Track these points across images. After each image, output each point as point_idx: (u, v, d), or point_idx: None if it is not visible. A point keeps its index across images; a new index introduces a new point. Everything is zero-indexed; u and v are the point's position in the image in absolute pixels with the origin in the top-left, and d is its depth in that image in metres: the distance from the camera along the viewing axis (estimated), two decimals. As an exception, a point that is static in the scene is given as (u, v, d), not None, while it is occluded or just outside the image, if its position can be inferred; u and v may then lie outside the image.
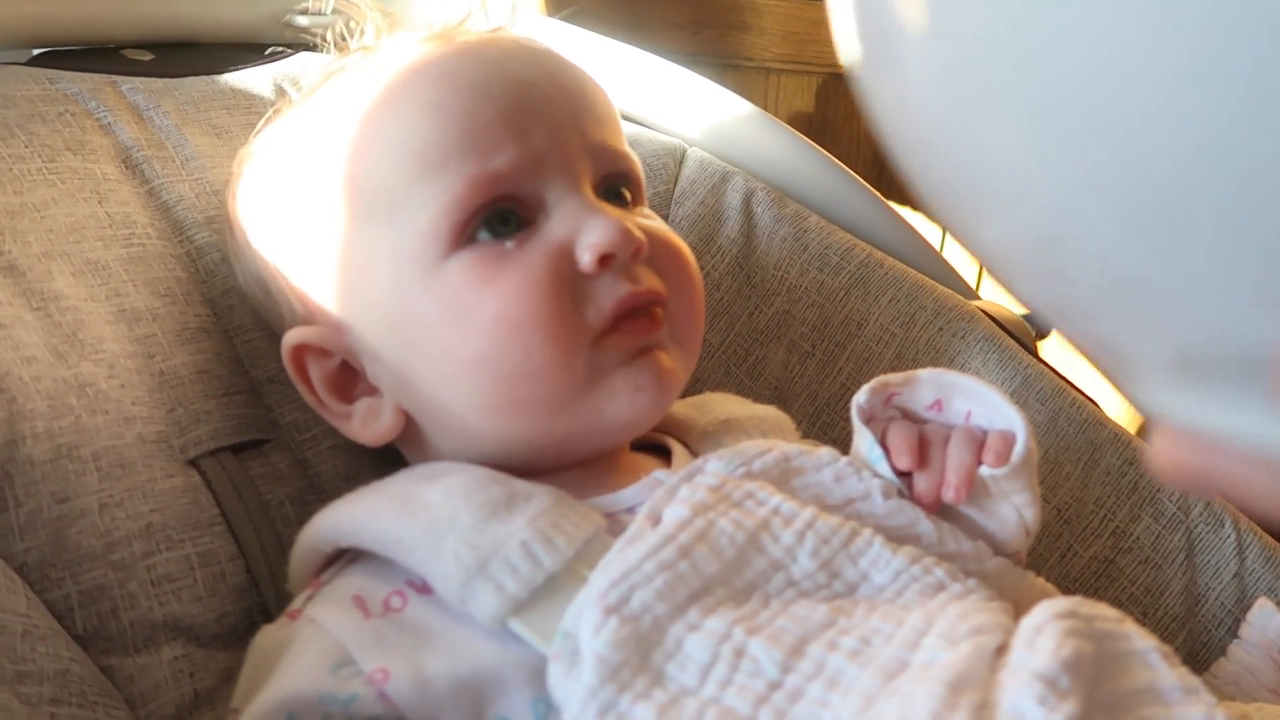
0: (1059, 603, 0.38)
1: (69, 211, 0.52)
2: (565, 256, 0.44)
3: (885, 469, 0.46)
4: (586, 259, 0.44)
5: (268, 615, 0.47)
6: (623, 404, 0.45)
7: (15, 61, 0.61)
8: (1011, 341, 0.66)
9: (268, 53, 0.69)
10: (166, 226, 0.56)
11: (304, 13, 0.69)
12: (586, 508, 0.44)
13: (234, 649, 0.45)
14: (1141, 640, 0.36)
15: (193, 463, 0.49)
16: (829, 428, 0.68)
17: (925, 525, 0.45)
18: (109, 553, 0.43)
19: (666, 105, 0.75)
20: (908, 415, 0.50)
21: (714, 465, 0.45)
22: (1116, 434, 0.62)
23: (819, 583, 0.41)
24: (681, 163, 0.73)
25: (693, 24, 1.15)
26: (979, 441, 0.47)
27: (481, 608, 0.39)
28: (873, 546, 0.42)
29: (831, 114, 1.18)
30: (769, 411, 0.57)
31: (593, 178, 0.47)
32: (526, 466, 0.46)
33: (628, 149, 0.50)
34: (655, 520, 0.42)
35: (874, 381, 0.49)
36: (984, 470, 0.45)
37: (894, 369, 0.67)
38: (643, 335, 0.46)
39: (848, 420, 0.69)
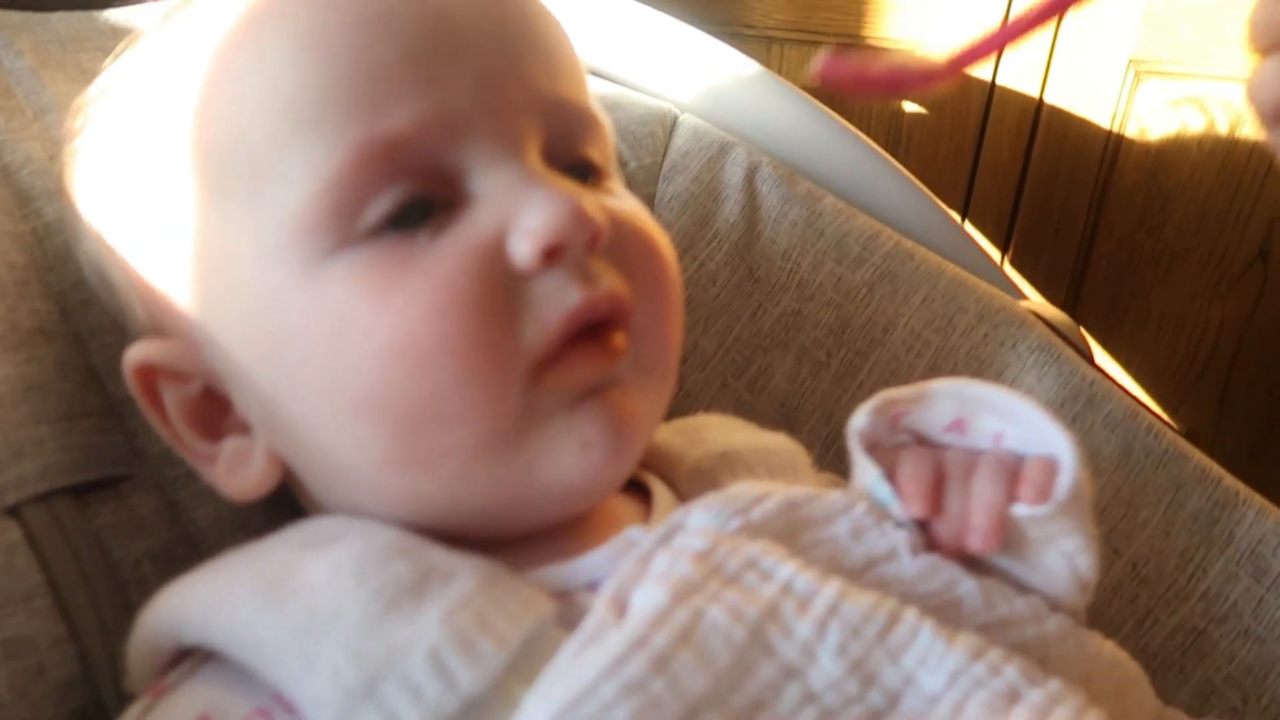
0: None
1: None
2: (493, 253, 0.32)
3: (898, 512, 0.36)
4: (523, 251, 0.32)
5: (106, 718, 0.35)
6: (565, 464, 0.33)
7: None
8: (1071, 352, 0.54)
9: (167, -13, 0.57)
10: (5, 195, 0.44)
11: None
12: (530, 588, 0.32)
13: (51, 772, 0.33)
14: None
15: (12, 511, 0.37)
16: (846, 454, 0.56)
17: (967, 585, 0.34)
18: None
19: (655, 63, 0.63)
20: (923, 440, 0.39)
21: (699, 518, 0.34)
22: (1204, 470, 0.50)
23: (848, 695, 0.30)
24: (672, 131, 0.62)
25: (687, -17, 1.03)
26: (1013, 471, 0.36)
27: (367, 751, 0.27)
28: (919, 637, 0.31)
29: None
30: (779, 442, 0.45)
31: (540, 142, 0.35)
32: (448, 530, 0.34)
33: (590, 103, 0.38)
34: (621, 607, 0.31)
35: (875, 399, 0.39)
36: (1020, 509, 0.35)
37: (928, 384, 0.56)
38: (594, 369, 0.34)
39: (869, 445, 0.58)
